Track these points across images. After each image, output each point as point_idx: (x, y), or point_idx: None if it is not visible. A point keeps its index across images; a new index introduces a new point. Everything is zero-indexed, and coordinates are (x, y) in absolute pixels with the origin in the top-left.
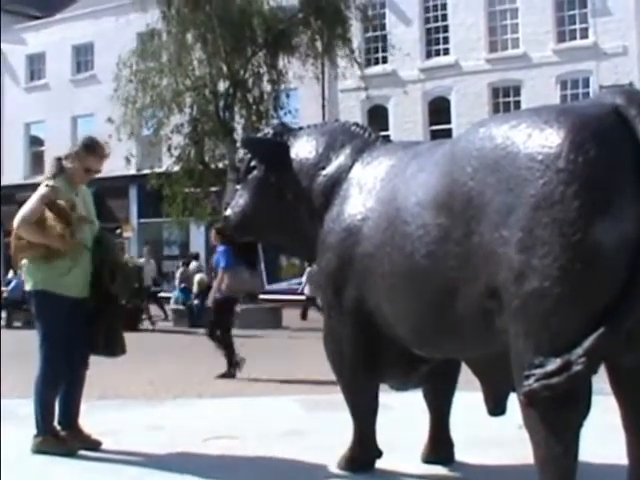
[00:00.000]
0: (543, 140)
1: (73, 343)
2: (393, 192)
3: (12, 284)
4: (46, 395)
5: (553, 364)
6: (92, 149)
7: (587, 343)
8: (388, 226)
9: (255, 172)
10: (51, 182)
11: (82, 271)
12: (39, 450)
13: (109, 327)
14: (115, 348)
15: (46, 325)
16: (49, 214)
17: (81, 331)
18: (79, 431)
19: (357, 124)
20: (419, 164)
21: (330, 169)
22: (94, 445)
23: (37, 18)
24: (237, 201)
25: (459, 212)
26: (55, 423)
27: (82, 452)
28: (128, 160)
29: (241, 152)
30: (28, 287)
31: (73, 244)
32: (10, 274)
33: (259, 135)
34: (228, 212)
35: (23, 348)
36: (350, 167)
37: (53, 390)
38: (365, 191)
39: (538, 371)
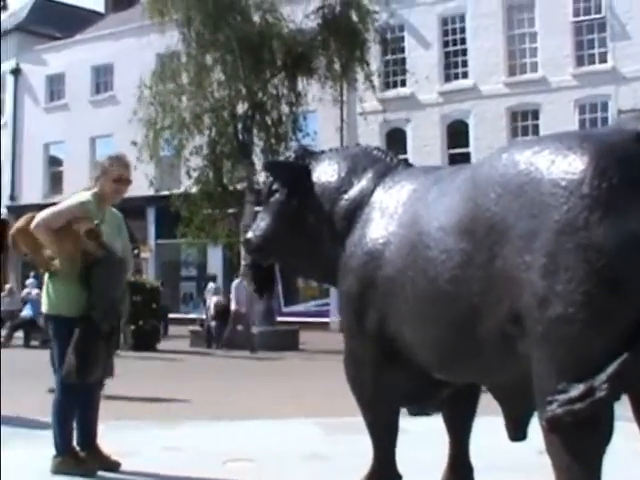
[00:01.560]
0: (567, 166)
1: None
2: (415, 216)
3: (28, 304)
4: (64, 416)
5: (576, 390)
6: (114, 158)
7: (610, 369)
8: (410, 250)
9: (277, 195)
10: (82, 196)
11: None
12: (58, 471)
13: (80, 349)
14: (86, 373)
15: (62, 348)
16: (68, 232)
17: None
18: (98, 451)
19: (379, 148)
20: (441, 189)
21: (352, 193)
22: (113, 466)
23: (57, 39)
24: (258, 224)
25: (482, 237)
26: (74, 444)
27: (101, 473)
28: (152, 183)
29: (260, 174)
30: (44, 309)
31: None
32: (24, 292)
33: (281, 159)
34: (249, 235)
35: (41, 367)
36: (372, 191)
37: (71, 411)
38: (387, 215)
39: (561, 397)
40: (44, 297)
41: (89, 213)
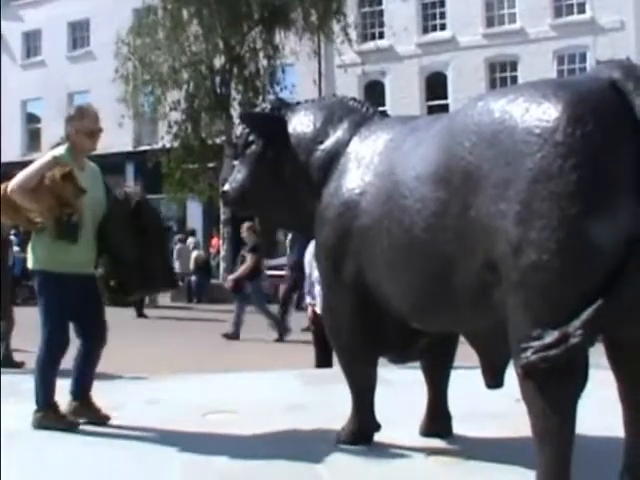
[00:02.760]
0: (541, 114)
1: (85, 319)
2: (391, 166)
3: (11, 261)
4: (47, 371)
5: (551, 336)
6: (83, 110)
7: (584, 315)
8: (386, 200)
9: (253, 147)
10: (56, 151)
11: (85, 247)
12: (40, 425)
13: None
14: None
15: (47, 303)
16: (45, 185)
17: (93, 306)
18: (90, 404)
19: (355, 99)
20: (417, 138)
21: (328, 144)
22: (103, 419)
23: None
24: (235, 176)
25: (457, 186)
26: (69, 394)
27: (83, 427)
28: (137, 141)
29: (238, 128)
30: (29, 265)
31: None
32: None
33: (257, 110)
34: (226, 187)
35: (24, 325)
36: (348, 141)
37: (53, 367)
38: (363, 165)
39: (536, 343)
40: (30, 253)
41: (64, 164)
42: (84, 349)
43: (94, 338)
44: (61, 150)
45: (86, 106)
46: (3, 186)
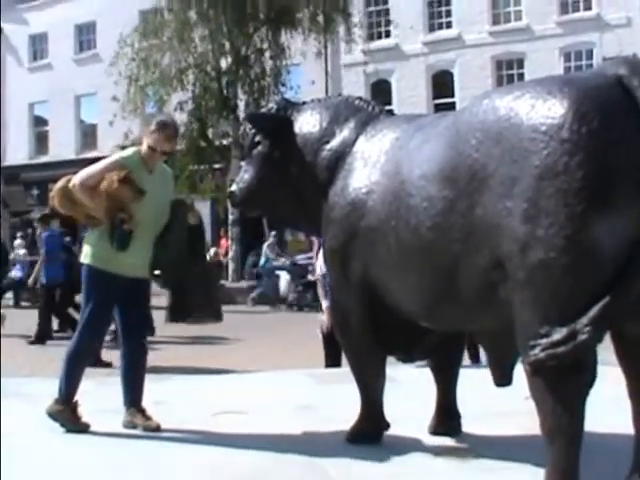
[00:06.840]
0: (546, 111)
1: (131, 324)
2: (397, 165)
3: (17, 265)
4: (74, 366)
5: (559, 333)
6: (158, 128)
7: (592, 312)
8: (393, 199)
9: (259, 147)
10: (125, 152)
11: (140, 251)
12: (52, 415)
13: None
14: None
15: (88, 300)
16: (102, 186)
17: (138, 311)
18: (141, 411)
19: (361, 98)
20: (423, 136)
21: (334, 143)
22: (153, 429)
23: None
24: (242, 176)
25: (463, 184)
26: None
27: (93, 428)
28: (127, 136)
29: (244, 128)
30: (81, 258)
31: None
32: (12, 254)
33: (263, 110)
34: (233, 187)
35: (31, 328)
36: (354, 141)
37: (81, 363)
38: (369, 164)
39: (544, 341)
40: (84, 246)
41: (128, 169)
42: (125, 356)
43: (133, 340)
44: (129, 152)
45: (168, 124)
46: (65, 179)
